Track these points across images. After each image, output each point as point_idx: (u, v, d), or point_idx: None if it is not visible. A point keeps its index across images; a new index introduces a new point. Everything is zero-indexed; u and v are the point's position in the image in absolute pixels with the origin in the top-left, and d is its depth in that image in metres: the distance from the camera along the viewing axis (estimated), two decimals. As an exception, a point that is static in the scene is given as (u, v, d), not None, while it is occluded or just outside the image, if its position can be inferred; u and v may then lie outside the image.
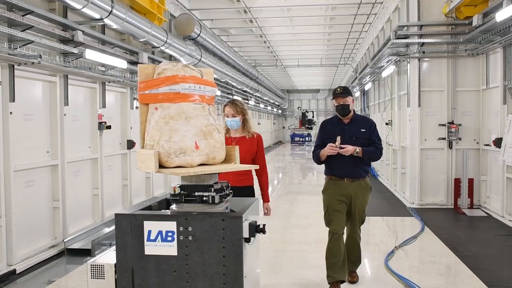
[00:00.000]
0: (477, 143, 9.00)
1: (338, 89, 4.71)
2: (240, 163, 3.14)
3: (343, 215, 4.73)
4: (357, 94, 18.45)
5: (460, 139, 9.01)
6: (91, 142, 7.44)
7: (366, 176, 4.85)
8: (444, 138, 9.11)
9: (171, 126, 2.60)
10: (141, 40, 8.02)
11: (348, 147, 4.47)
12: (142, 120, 2.77)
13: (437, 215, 8.38)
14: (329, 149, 4.51)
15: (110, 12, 6.48)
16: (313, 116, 36.41)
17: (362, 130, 4.69)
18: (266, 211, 4.42)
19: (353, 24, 13.76)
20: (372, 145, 4.66)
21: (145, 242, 2.49)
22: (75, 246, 6.39)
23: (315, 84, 34.32)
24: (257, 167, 3.52)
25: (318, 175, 15.13)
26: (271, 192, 12.29)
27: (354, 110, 4.82)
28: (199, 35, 10.48)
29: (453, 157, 9.08)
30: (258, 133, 4.50)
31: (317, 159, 4.75)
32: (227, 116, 4.25)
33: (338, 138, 4.44)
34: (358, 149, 4.52)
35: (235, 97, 4.43)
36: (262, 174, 4.46)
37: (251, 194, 4.37)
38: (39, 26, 5.44)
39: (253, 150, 4.35)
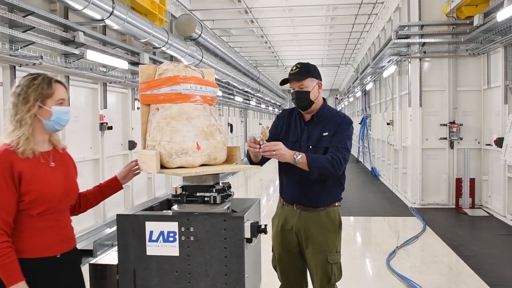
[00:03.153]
0: (479, 142, 8.99)
1: (294, 67, 3.08)
2: (69, 196, 2.39)
3: (296, 262, 3.20)
4: (358, 94, 18.45)
5: (461, 139, 9.01)
6: (92, 143, 7.45)
7: (331, 204, 3.11)
8: (445, 138, 9.10)
9: (172, 127, 2.61)
10: (142, 40, 8.03)
11: (279, 146, 2.79)
12: (143, 121, 2.77)
13: (438, 215, 8.37)
14: (248, 145, 2.93)
15: (111, 13, 6.49)
16: (314, 116, 36.42)
17: (324, 134, 3.03)
18: None
19: (354, 24, 13.76)
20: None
21: (147, 243, 2.49)
22: (77, 246, 6.38)
23: (316, 84, 34.31)
24: (259, 167, 2.91)
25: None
26: (272, 192, 12.29)
27: (324, 100, 3.18)
28: (200, 35, 10.49)
29: (455, 157, 9.08)
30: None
31: (247, 156, 3.11)
32: (61, 103, 2.30)
33: (264, 130, 2.86)
34: (299, 154, 2.82)
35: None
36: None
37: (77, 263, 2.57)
38: (40, 27, 5.46)
39: (75, 171, 2.53)
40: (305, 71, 3.05)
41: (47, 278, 2.23)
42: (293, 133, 3.14)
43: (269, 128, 3.25)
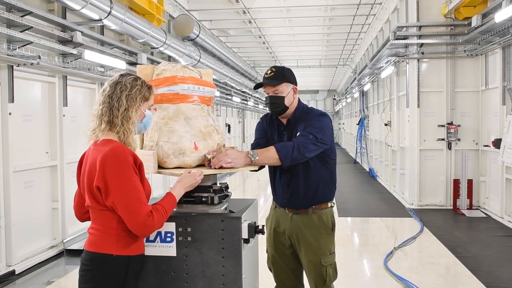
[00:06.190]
0: (476, 144, 9.00)
1: (268, 71, 2.97)
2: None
3: (289, 263, 3.16)
4: (356, 95, 18.46)
5: (459, 140, 9.02)
6: (90, 143, 7.42)
7: (323, 206, 3.06)
8: (443, 139, 9.11)
9: (170, 127, 2.60)
10: (140, 41, 8.01)
11: (227, 153, 2.56)
12: (141, 121, 2.77)
13: (436, 216, 8.38)
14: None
15: (109, 13, 6.48)
16: (312, 117, 36.42)
17: (298, 134, 2.95)
18: None
19: (352, 25, 13.77)
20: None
21: (144, 243, 2.49)
22: (75, 246, 6.39)
23: (314, 84, 34.33)
24: (255, 167, 2.81)
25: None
26: (269, 193, 12.29)
27: (299, 101, 3.10)
28: (198, 35, 10.48)
29: (452, 158, 9.09)
30: None
31: None
32: (150, 109, 2.47)
33: (219, 148, 2.62)
34: (254, 152, 2.70)
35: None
36: None
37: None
38: (38, 27, 5.44)
39: None
40: (280, 75, 2.95)
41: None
42: (277, 138, 3.09)
43: (258, 133, 3.20)
